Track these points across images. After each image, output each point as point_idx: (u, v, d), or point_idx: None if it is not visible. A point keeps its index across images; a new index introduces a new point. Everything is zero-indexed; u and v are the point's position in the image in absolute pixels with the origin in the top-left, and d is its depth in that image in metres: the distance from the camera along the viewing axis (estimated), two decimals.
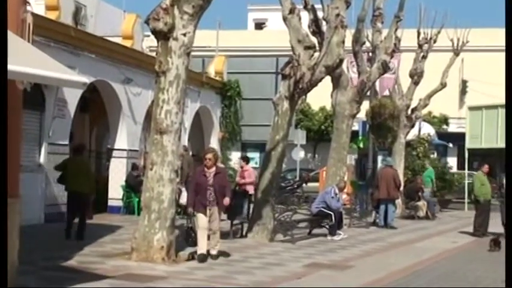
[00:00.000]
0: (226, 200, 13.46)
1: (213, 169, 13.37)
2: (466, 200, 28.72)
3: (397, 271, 13.47)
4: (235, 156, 35.68)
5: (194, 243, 13.73)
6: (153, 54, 17.90)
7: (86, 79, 10.66)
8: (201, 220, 13.26)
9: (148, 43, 27.96)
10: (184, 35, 13.15)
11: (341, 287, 11.50)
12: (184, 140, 26.80)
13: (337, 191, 19.21)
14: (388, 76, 26.79)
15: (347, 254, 15.65)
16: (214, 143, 31.48)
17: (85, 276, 10.94)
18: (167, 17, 13.00)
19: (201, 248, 13.19)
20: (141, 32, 25.46)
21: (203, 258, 13.06)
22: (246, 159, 21.36)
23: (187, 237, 14.81)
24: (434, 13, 29.30)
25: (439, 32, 29.32)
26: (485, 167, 20.98)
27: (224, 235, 17.28)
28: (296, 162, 34.89)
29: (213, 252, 13.44)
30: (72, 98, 19.79)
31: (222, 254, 13.88)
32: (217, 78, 31.74)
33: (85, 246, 14.29)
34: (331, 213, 18.46)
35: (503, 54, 47.02)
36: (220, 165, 17.21)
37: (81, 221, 15.67)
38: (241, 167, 20.60)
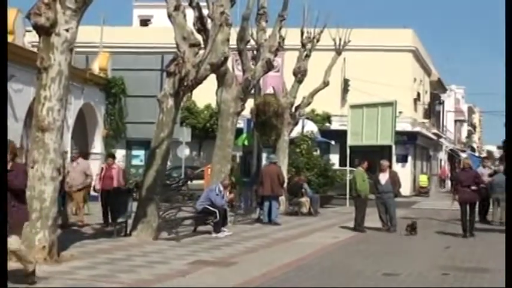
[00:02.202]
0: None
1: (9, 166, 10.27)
2: (348, 196, 29.37)
3: (280, 266, 13.66)
4: (120, 154, 35.29)
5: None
6: (35, 49, 17.50)
7: None
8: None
9: (30, 38, 27.29)
10: (67, 30, 12.94)
11: (225, 283, 11.58)
12: (67, 138, 26.34)
13: (221, 188, 19.31)
14: (272, 74, 27.09)
15: (231, 250, 15.77)
16: (98, 140, 31.08)
17: None
18: (49, 12, 12.75)
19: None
20: (23, 27, 24.84)
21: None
22: (112, 156, 20.85)
23: None
24: (317, 13, 29.85)
25: (321, 32, 29.84)
26: (365, 164, 21.63)
27: (108, 234, 17.19)
28: (181, 160, 34.83)
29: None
30: None
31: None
32: (101, 75, 31.34)
33: None
34: (216, 210, 18.54)
35: (382, 54, 48.64)
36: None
37: None
38: (109, 165, 19.97)
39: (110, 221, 18.45)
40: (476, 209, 22.54)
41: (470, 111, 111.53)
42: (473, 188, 20.39)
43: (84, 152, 24.73)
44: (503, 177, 24.96)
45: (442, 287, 11.98)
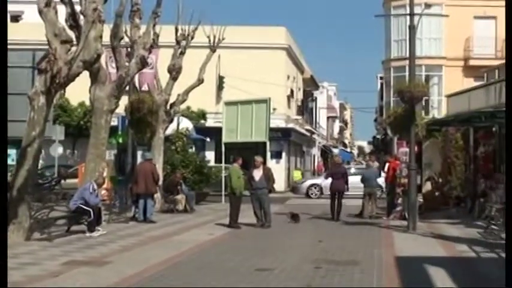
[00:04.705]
0: None
1: None
2: (223, 193, 29.57)
3: (156, 264, 13.68)
4: None
5: None
6: None
7: None
8: None
9: None
10: None
11: (99, 283, 11.49)
12: None
13: (95, 186, 19.11)
14: (146, 71, 26.96)
15: (106, 249, 15.64)
16: None
17: None
18: None
19: None
20: None
21: None
22: None
23: None
24: (192, 10, 29.86)
25: (196, 29, 29.88)
26: (239, 161, 21.89)
27: None
28: (54, 159, 34.16)
29: None
30: None
31: None
32: None
33: None
34: (90, 209, 18.33)
35: (256, 52, 49.17)
36: None
37: None
38: None
39: None
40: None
41: (342, 107, 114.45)
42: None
43: None
44: (374, 172, 25.86)
45: (313, 280, 12.27)
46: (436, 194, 28.36)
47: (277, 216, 23.69)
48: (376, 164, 27.65)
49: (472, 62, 47.57)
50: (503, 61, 39.15)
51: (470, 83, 41.75)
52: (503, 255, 15.47)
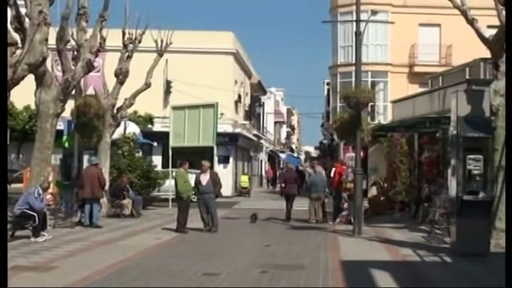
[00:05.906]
0: None
1: None
2: (170, 198, 29.48)
3: (102, 269, 13.60)
4: None
5: None
6: None
7: None
8: None
9: None
10: None
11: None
12: None
13: (40, 191, 18.92)
14: (93, 75, 26.76)
15: (51, 255, 15.49)
16: None
17: None
18: None
19: None
20: None
21: None
22: None
23: None
24: (139, 14, 29.71)
25: (143, 33, 29.78)
26: (186, 165, 21.87)
27: None
28: None
29: None
30: None
31: None
32: None
33: None
34: (35, 214, 18.14)
35: (204, 56, 49.08)
36: None
37: None
38: None
39: None
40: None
41: (289, 113, 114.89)
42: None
43: None
44: (320, 177, 26.03)
45: (260, 284, 12.33)
46: (382, 198, 28.70)
47: (224, 220, 23.72)
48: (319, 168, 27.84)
49: (416, 69, 48.24)
50: (447, 68, 40.05)
51: (415, 89, 42.41)
52: (447, 258, 15.80)
